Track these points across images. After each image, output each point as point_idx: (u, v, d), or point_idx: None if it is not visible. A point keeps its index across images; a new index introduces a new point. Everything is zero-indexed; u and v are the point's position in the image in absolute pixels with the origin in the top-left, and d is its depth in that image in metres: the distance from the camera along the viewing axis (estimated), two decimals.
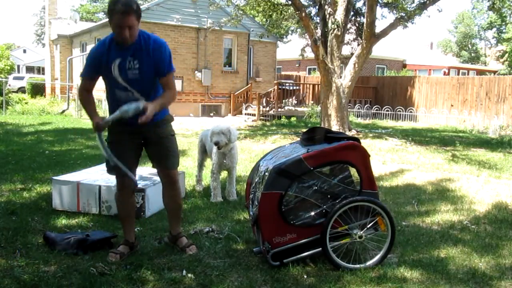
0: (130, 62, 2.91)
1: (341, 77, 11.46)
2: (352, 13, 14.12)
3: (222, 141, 4.51)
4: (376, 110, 18.01)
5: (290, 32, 33.06)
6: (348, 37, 15.41)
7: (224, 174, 5.05)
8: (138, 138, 3.16)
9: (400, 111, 17.61)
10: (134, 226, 3.39)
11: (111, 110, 3.03)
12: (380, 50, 22.86)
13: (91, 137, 9.52)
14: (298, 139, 3.83)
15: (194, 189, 5.18)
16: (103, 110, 16.48)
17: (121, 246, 3.21)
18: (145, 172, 4.65)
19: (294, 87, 17.68)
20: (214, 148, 4.74)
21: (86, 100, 3.08)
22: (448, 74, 25.41)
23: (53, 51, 24.23)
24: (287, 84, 17.47)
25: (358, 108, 17.91)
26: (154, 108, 2.89)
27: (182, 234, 3.37)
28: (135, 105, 2.85)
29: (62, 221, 3.91)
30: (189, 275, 2.89)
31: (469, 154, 8.63)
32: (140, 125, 2.85)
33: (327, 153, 3.08)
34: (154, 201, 4.16)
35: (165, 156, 3.21)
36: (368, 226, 3.11)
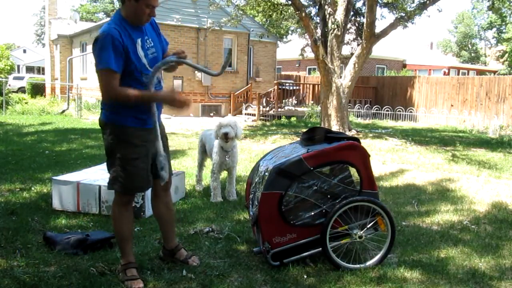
0: (147, 41, 2.73)
1: (341, 77, 11.47)
2: (352, 13, 14.12)
3: (231, 132, 4.50)
4: (376, 110, 18.01)
5: (290, 32, 33.07)
6: (348, 37, 15.42)
7: (224, 174, 5.05)
8: (154, 147, 2.83)
9: (400, 111, 17.61)
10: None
11: (135, 108, 2.69)
12: (380, 50, 22.87)
13: (91, 137, 9.53)
14: (298, 139, 3.83)
15: (194, 189, 5.18)
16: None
17: (135, 270, 2.81)
18: None
19: (294, 87, 17.68)
20: (215, 148, 4.74)
21: (124, 89, 2.59)
22: (448, 74, 25.41)
23: (53, 51, 24.26)
24: (287, 84, 17.47)
25: (358, 108, 17.91)
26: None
27: (180, 246, 3.12)
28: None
29: (62, 221, 3.91)
30: (189, 275, 2.89)
31: (469, 154, 8.63)
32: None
33: (327, 153, 3.08)
34: None
35: (169, 162, 2.99)
36: (368, 226, 3.11)
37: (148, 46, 2.73)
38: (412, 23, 12.21)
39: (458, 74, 27.89)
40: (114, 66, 2.53)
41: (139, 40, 2.65)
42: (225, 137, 4.51)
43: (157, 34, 2.88)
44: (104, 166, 5.04)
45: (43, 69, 39.79)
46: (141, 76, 2.68)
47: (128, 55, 2.60)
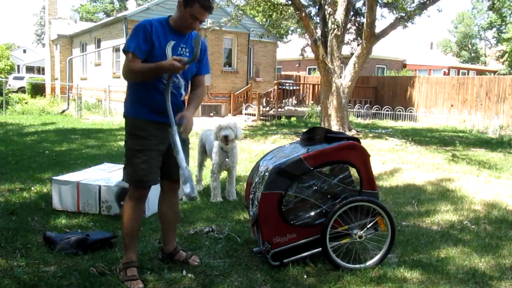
0: (182, 48, 2.81)
1: (341, 77, 11.47)
2: (352, 13, 14.14)
3: (231, 134, 4.49)
4: (376, 110, 18.01)
5: (290, 32, 33.10)
6: (348, 37, 15.44)
7: (224, 174, 5.05)
8: (165, 143, 2.86)
9: (400, 111, 17.61)
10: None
11: (149, 100, 2.76)
12: (380, 50, 22.87)
13: (91, 137, 9.53)
14: (298, 139, 3.83)
15: None
16: (103, 110, 16.51)
17: (135, 270, 2.81)
18: None
19: (294, 87, 17.68)
20: (215, 148, 4.73)
21: (139, 65, 2.66)
22: (448, 74, 25.41)
23: (53, 51, 24.27)
24: (287, 84, 17.46)
25: (358, 108, 17.91)
26: (193, 113, 2.85)
27: (178, 248, 3.13)
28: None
29: (62, 221, 3.91)
30: (189, 275, 2.89)
31: (469, 154, 8.63)
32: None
33: (327, 153, 3.08)
34: (154, 201, 4.15)
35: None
36: (368, 226, 3.11)
37: (180, 52, 2.79)
38: (412, 23, 12.22)
39: (458, 74, 27.90)
40: (132, 49, 2.65)
41: (172, 42, 2.75)
42: (225, 140, 4.51)
43: (199, 58, 2.85)
44: (104, 166, 5.07)
45: (43, 69, 39.79)
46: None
47: (152, 49, 2.69)
